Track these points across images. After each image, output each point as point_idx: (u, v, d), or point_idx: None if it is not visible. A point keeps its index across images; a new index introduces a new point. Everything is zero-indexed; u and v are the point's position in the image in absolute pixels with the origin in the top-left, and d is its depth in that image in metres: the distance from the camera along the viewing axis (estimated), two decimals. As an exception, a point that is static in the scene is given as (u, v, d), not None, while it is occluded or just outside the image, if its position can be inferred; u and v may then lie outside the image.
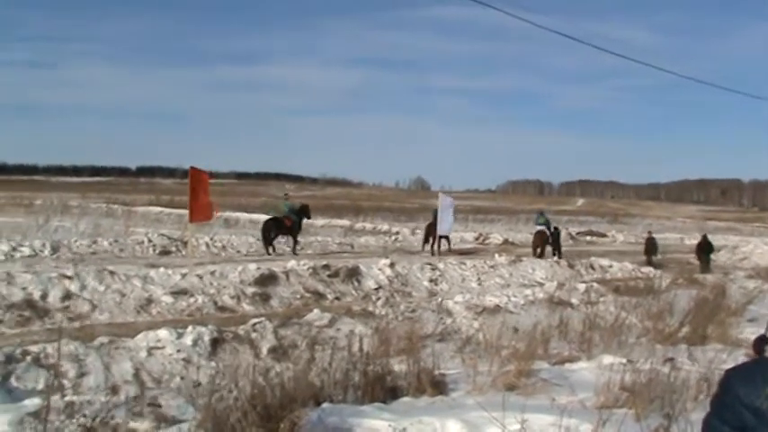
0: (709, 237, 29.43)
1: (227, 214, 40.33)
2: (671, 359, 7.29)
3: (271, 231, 21.96)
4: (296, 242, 22.64)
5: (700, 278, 18.11)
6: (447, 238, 25.08)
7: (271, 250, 21.61)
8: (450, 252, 24.55)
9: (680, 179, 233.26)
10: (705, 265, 25.69)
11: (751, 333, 9.63)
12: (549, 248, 25.49)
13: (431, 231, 25.17)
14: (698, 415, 5.13)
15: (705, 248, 27.20)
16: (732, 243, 39.49)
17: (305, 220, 23.83)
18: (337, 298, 15.02)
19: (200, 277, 13.90)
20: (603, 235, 41.14)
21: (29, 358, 7.68)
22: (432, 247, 24.87)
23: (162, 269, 14.08)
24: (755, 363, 2.11)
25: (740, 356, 7.86)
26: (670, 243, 38.20)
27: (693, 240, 39.16)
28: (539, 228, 26.06)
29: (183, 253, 20.38)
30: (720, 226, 49.54)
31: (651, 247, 27.95)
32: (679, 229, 54.23)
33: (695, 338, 9.42)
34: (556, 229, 27.20)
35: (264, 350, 9.14)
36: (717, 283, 14.55)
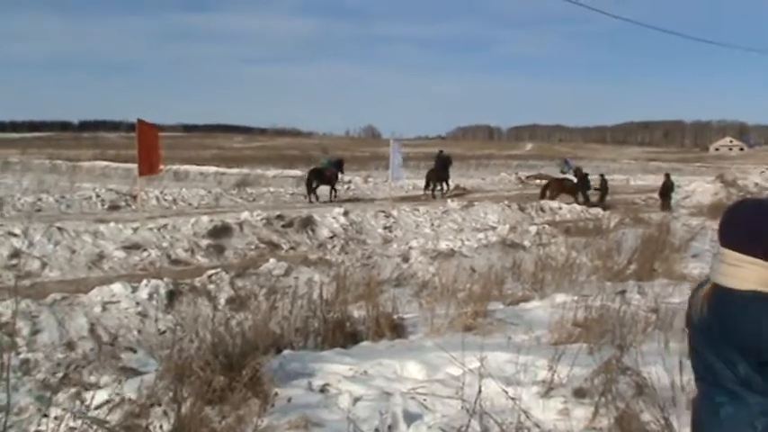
0: (652, 177, 29.85)
1: (177, 167, 39.61)
2: (622, 292, 7.51)
3: (313, 182, 24.33)
4: (334, 190, 25.16)
5: (645, 217, 18.54)
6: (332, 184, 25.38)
7: (313, 198, 23.95)
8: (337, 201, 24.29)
9: (625, 122, 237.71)
10: (668, 203, 26.09)
11: (694, 268, 10.00)
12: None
13: (431, 177, 27.82)
14: (648, 346, 5.36)
15: (668, 187, 27.50)
16: (675, 183, 40.41)
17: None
18: (292, 248, 15.03)
19: (153, 231, 13.73)
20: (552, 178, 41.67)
21: (-21, 318, 7.54)
22: (432, 191, 27.11)
23: (112, 224, 13.87)
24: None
25: (685, 289, 8.16)
26: (617, 184, 38.97)
27: (639, 182, 40.09)
28: (561, 176, 26.66)
29: (133, 207, 20.08)
30: (664, 167, 50.59)
31: (603, 187, 28.11)
32: (625, 170, 55.24)
33: (643, 274, 9.70)
34: (585, 175, 27.23)
35: (222, 301, 9.13)
36: (662, 222, 14.93)
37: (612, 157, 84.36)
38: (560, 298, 7.44)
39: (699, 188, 32.21)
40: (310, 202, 23.41)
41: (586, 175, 27.50)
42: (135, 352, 6.42)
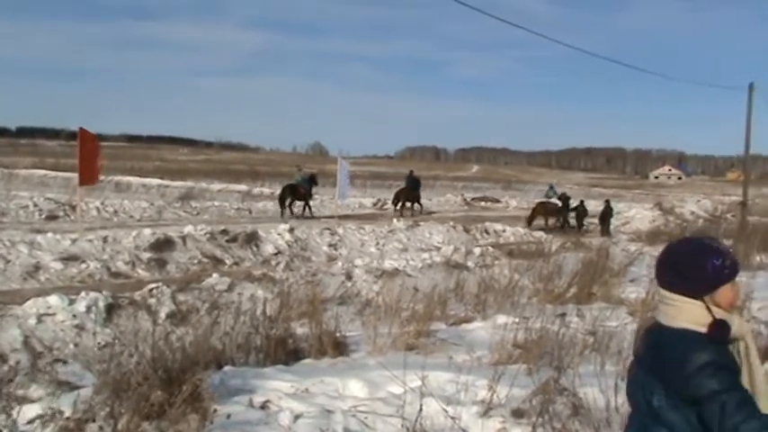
0: (593, 202, 30.79)
1: (119, 178, 38.84)
2: (562, 315, 7.67)
3: (287, 198, 25.14)
4: (308, 206, 25.74)
5: (586, 242, 18.96)
6: (306, 200, 25.97)
7: (288, 213, 24.57)
8: (313, 218, 24.84)
9: (569, 147, 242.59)
10: (606, 229, 26.77)
11: (631, 292, 10.26)
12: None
13: (401, 195, 28.84)
14: (585, 367, 5.49)
15: (608, 213, 28.33)
16: (616, 208, 41.40)
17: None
18: (236, 263, 14.88)
19: (92, 242, 13.44)
20: (497, 201, 42.28)
21: None
22: (401, 209, 28.10)
23: (50, 234, 13.52)
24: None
25: (622, 313, 8.38)
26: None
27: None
28: (544, 199, 28.13)
29: (73, 218, 19.61)
30: (605, 192, 51.92)
31: (582, 212, 28.77)
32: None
33: (582, 298, 9.91)
34: (581, 202, 28.75)
35: (163, 316, 8.97)
36: (601, 247, 15.30)
37: (556, 182, 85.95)
38: (502, 319, 7.55)
39: (638, 215, 33.07)
40: (282, 216, 23.87)
41: (569, 199, 28.75)
42: (67, 364, 6.26)
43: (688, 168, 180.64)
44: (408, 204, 29.02)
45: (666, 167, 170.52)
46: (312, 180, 26.55)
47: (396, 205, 28.76)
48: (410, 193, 29.33)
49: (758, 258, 14.42)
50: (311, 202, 26.26)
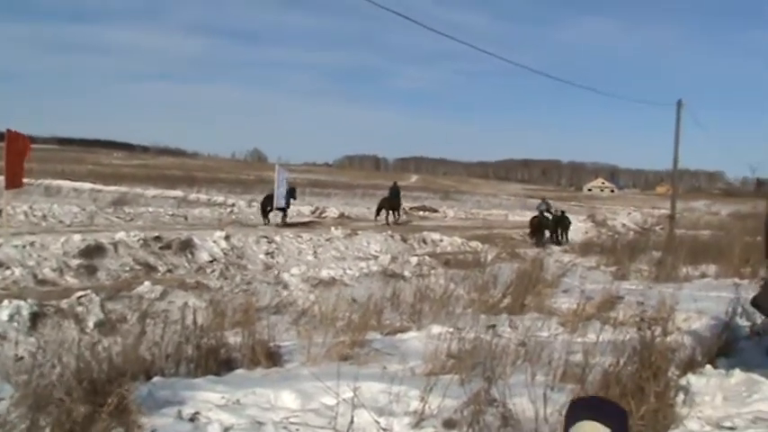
0: (533, 213, 31.68)
1: (48, 182, 37.63)
2: (493, 326, 7.75)
3: (267, 206, 26.18)
4: (285, 215, 26.54)
5: (521, 252, 19.27)
6: (284, 210, 26.34)
7: (267, 221, 25.62)
8: (287, 225, 24.85)
9: (506, 158, 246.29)
10: (541, 240, 27.28)
11: (563, 303, 10.46)
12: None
13: (384, 204, 30.77)
14: (515, 378, 5.56)
15: (564, 223, 29.58)
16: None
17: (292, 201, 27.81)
18: (170, 270, 14.60)
19: (18, 248, 12.99)
20: (435, 210, 42.53)
21: None
22: (386, 218, 29.92)
23: (-27, 239, 13.01)
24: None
25: (553, 324, 8.53)
26: (495, 219, 40.33)
27: (518, 217, 41.59)
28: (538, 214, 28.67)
29: (-2, 222, 18.90)
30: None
31: (564, 224, 29.74)
32: (504, 206, 57.20)
33: (515, 308, 10.05)
34: (562, 213, 30.06)
35: (91, 324, 8.74)
36: (535, 257, 15.57)
37: (494, 192, 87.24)
38: (436, 329, 7.59)
39: (571, 226, 33.81)
40: (264, 224, 25.12)
41: (563, 213, 30.19)
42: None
43: (620, 182, 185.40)
44: (391, 212, 30.80)
45: (600, 180, 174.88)
46: (292, 191, 27.71)
47: (378, 214, 30.60)
48: (393, 201, 31.12)
49: (684, 270, 14.88)
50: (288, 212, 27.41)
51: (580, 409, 2.16)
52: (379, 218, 30.45)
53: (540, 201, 32.58)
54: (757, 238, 13.47)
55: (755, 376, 5.60)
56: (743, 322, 7.36)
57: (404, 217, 32.08)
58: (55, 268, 12.89)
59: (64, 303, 9.17)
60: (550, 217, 29.01)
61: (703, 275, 14.45)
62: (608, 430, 2.06)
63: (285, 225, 25.23)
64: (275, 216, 25.99)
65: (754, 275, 12.32)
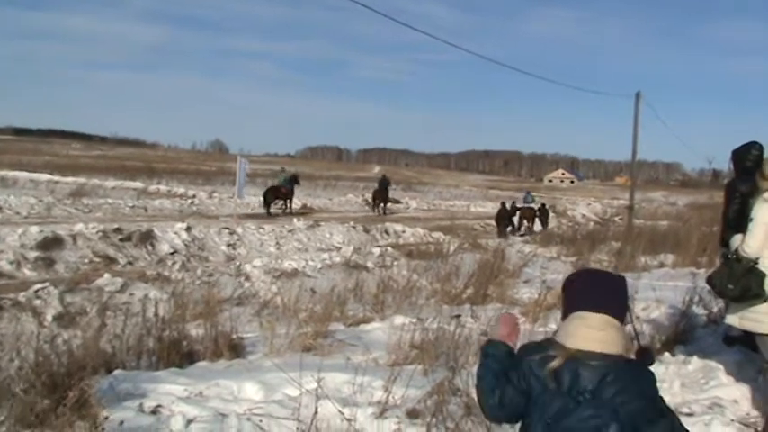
0: (494, 204, 32.98)
1: (4, 173, 36.79)
2: (457, 315, 7.82)
3: (270, 199, 27.30)
4: (289, 205, 28.68)
5: (483, 243, 19.42)
6: (289, 198, 28.73)
7: (271, 210, 26.87)
8: (291, 214, 26.81)
9: (467, 150, 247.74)
10: (503, 230, 27.61)
11: (525, 293, 10.58)
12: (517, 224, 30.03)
13: (377, 196, 32.90)
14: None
15: (545, 214, 31.82)
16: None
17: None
18: (130, 262, 14.42)
19: (-28, 241, 12.70)
20: (398, 201, 42.65)
21: None
22: (378, 209, 32.32)
23: (-75, 231, 12.69)
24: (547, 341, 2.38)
25: (516, 313, 8.62)
26: (457, 210, 40.54)
27: (480, 208, 41.91)
28: (527, 205, 31.07)
29: (-49, 214, 18.46)
30: (502, 195, 53.28)
31: (544, 215, 31.80)
32: (466, 197, 57.52)
33: (478, 298, 10.13)
34: (543, 205, 32.95)
35: (49, 317, 8.59)
36: (497, 248, 15.71)
37: (455, 184, 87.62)
38: (399, 320, 7.63)
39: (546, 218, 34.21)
40: (268, 215, 26.03)
41: (544, 205, 33.02)
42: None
43: (580, 173, 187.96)
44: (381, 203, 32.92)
45: (560, 171, 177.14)
46: (294, 180, 29.28)
47: (374, 206, 32.93)
48: (383, 193, 33.04)
49: (643, 260, 15.16)
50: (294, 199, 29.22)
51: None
52: (374, 209, 32.69)
53: (525, 193, 34.89)
54: (714, 228, 13.79)
55: (712, 363, 5.74)
56: (700, 310, 7.52)
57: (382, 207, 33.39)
58: (12, 261, 12.63)
59: (21, 296, 9.00)
60: (536, 207, 31.40)
61: (661, 265, 14.71)
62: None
63: (290, 214, 26.66)
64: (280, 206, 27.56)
65: (711, 264, 12.59)
